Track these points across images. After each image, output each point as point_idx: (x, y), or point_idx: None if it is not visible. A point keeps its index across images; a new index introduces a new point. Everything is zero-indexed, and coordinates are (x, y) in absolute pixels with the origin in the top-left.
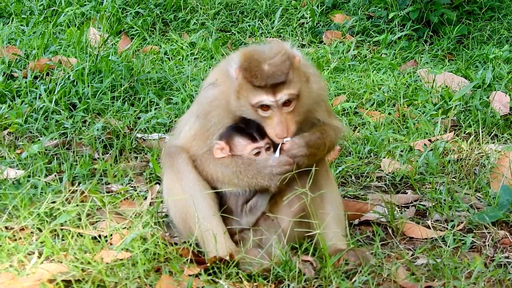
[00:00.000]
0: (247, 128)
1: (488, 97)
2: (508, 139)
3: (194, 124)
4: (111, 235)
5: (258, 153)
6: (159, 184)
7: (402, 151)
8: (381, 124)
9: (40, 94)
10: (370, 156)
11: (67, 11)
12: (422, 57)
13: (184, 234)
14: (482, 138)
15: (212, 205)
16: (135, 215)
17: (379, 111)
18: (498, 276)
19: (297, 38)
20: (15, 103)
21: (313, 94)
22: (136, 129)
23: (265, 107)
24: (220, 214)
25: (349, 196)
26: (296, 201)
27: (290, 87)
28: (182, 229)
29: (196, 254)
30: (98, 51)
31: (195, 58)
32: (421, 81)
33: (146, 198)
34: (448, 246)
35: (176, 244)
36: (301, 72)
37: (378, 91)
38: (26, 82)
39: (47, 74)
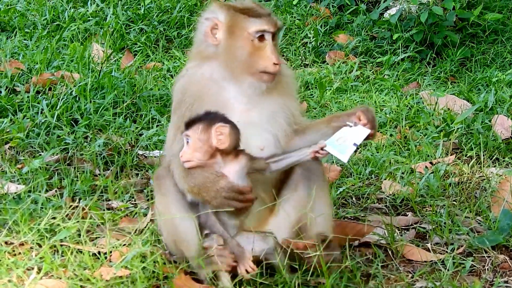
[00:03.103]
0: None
1: (490, 121)
2: (510, 163)
3: (172, 123)
4: (111, 252)
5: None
6: None
7: (403, 173)
8: (383, 145)
9: (42, 109)
10: (371, 178)
11: (71, 27)
12: (424, 79)
13: (179, 255)
14: (483, 162)
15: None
16: (135, 232)
17: (381, 132)
18: None
19: (300, 57)
20: (17, 118)
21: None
22: (137, 146)
23: (261, 36)
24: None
25: (349, 217)
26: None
27: (278, 20)
28: (175, 251)
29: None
30: (101, 67)
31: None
32: (423, 103)
33: (146, 215)
34: (448, 270)
35: (175, 262)
36: None
37: (380, 112)
38: (28, 97)
39: (50, 89)
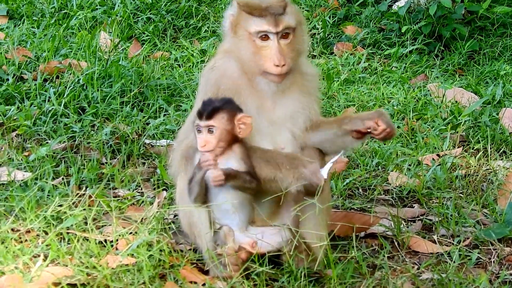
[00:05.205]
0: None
1: (497, 114)
2: None
3: None
4: (117, 240)
5: (199, 131)
6: (166, 190)
7: (410, 165)
8: None
9: (49, 97)
10: (378, 169)
11: (79, 15)
12: (432, 71)
13: (191, 237)
14: (490, 155)
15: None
16: (142, 220)
17: None
18: None
19: (308, 48)
20: (24, 105)
21: (303, 47)
22: (144, 135)
23: (264, 36)
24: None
25: (356, 208)
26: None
27: (289, 19)
28: (188, 233)
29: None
30: (109, 56)
31: (205, 66)
32: (431, 95)
33: (152, 204)
34: (454, 262)
35: (181, 251)
36: (297, 12)
37: (387, 104)
38: (35, 85)
39: (57, 77)
